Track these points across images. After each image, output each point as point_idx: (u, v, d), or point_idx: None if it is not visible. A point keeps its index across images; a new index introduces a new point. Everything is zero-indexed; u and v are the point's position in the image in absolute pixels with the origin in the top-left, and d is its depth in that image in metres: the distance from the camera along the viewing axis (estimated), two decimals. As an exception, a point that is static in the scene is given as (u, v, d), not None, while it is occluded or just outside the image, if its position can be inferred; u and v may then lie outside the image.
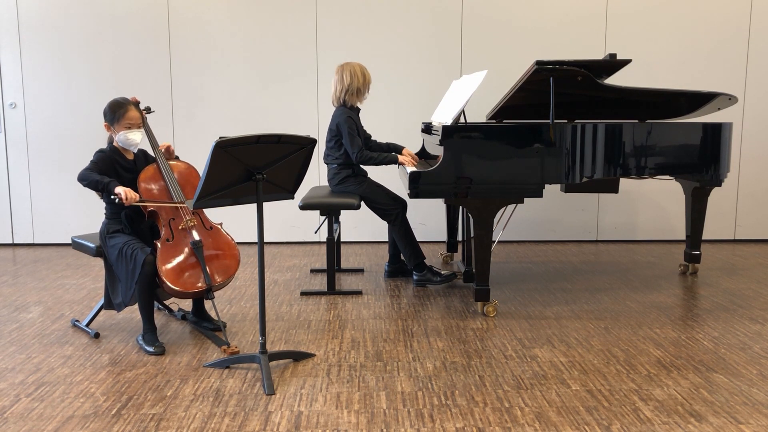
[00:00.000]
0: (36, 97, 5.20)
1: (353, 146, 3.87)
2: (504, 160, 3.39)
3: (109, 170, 3.05)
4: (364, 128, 4.12)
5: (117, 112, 3.05)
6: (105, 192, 2.98)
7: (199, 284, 3.04)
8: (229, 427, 2.29)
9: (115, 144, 3.12)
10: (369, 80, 4.00)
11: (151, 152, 3.25)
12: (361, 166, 4.05)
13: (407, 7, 5.17)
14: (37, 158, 5.26)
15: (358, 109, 4.03)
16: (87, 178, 2.96)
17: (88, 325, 3.28)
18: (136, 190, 3.06)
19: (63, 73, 5.17)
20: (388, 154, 3.98)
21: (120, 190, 2.92)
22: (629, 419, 2.33)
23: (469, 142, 3.38)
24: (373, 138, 4.25)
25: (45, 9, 5.10)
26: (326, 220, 3.91)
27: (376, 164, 3.92)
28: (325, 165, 4.14)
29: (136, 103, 3.13)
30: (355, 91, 3.95)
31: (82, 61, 5.16)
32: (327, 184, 4.19)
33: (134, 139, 3.08)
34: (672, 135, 3.75)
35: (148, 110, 3.26)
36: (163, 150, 3.19)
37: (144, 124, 3.18)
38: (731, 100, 4.05)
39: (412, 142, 5.06)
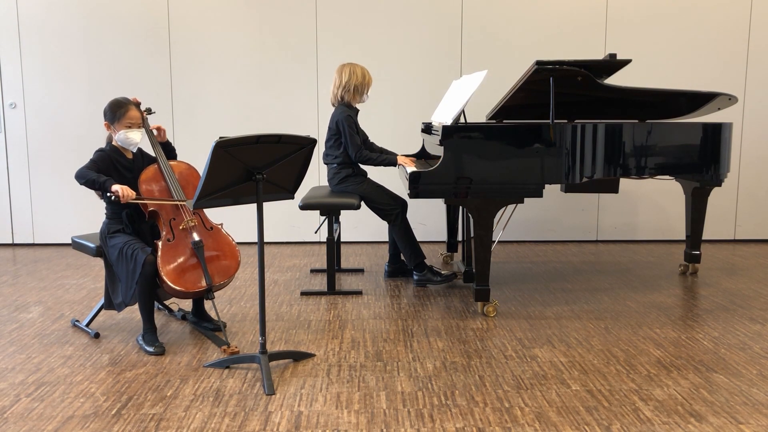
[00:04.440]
0: (36, 97, 5.20)
1: (352, 145, 3.88)
2: (504, 160, 3.39)
3: (108, 169, 3.05)
4: (363, 129, 4.12)
5: (117, 111, 3.05)
6: (102, 190, 2.99)
7: (200, 284, 3.04)
8: (229, 427, 2.29)
9: (114, 143, 3.13)
10: (369, 81, 3.99)
11: (151, 152, 3.26)
12: (360, 165, 4.05)
13: (407, 6, 5.17)
14: (37, 158, 5.26)
15: (357, 110, 4.03)
16: (84, 177, 2.97)
17: (88, 325, 3.28)
18: (136, 189, 3.06)
19: (63, 73, 5.17)
20: (388, 155, 3.98)
21: (117, 187, 2.92)
22: (629, 419, 2.33)
23: (469, 142, 3.38)
24: (370, 140, 4.24)
25: (45, 9, 5.10)
26: (326, 220, 3.91)
27: (375, 164, 3.92)
28: (325, 165, 4.14)
29: (137, 104, 3.14)
30: (353, 88, 3.94)
31: (82, 62, 5.16)
32: (327, 184, 4.19)
33: (134, 138, 3.09)
34: (672, 135, 3.75)
35: (149, 111, 3.27)
36: (153, 129, 3.21)
37: (144, 125, 3.18)
38: (731, 100, 4.05)
39: (412, 142, 5.06)
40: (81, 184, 2.99)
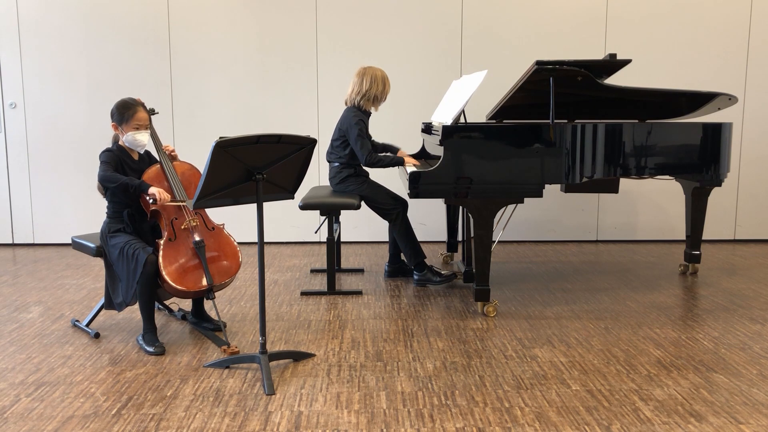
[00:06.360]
0: (36, 97, 5.20)
1: (363, 150, 3.84)
2: (504, 160, 3.39)
3: (118, 169, 3.06)
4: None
5: (126, 112, 3.05)
6: (138, 193, 3.00)
7: (201, 284, 3.04)
8: (229, 427, 2.29)
9: (120, 143, 3.13)
10: (388, 90, 3.98)
11: (154, 153, 3.26)
12: (365, 168, 4.03)
13: (408, 6, 5.17)
14: (37, 158, 5.26)
15: (369, 113, 4.01)
16: (114, 180, 2.97)
17: (88, 325, 3.28)
18: None
19: (63, 73, 5.17)
20: (395, 156, 3.95)
21: (154, 190, 2.96)
22: (629, 419, 2.33)
23: (469, 142, 3.38)
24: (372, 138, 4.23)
25: (45, 9, 5.10)
26: (326, 220, 3.91)
27: (383, 167, 3.90)
28: (327, 163, 4.14)
29: (143, 105, 3.14)
30: (372, 98, 3.93)
31: (82, 61, 5.16)
32: (327, 183, 4.19)
33: (142, 140, 3.09)
34: (672, 135, 3.75)
35: (153, 112, 3.27)
36: (168, 152, 3.21)
37: (150, 126, 3.18)
38: (731, 100, 4.05)
39: (412, 142, 5.07)
40: (111, 187, 3.01)
